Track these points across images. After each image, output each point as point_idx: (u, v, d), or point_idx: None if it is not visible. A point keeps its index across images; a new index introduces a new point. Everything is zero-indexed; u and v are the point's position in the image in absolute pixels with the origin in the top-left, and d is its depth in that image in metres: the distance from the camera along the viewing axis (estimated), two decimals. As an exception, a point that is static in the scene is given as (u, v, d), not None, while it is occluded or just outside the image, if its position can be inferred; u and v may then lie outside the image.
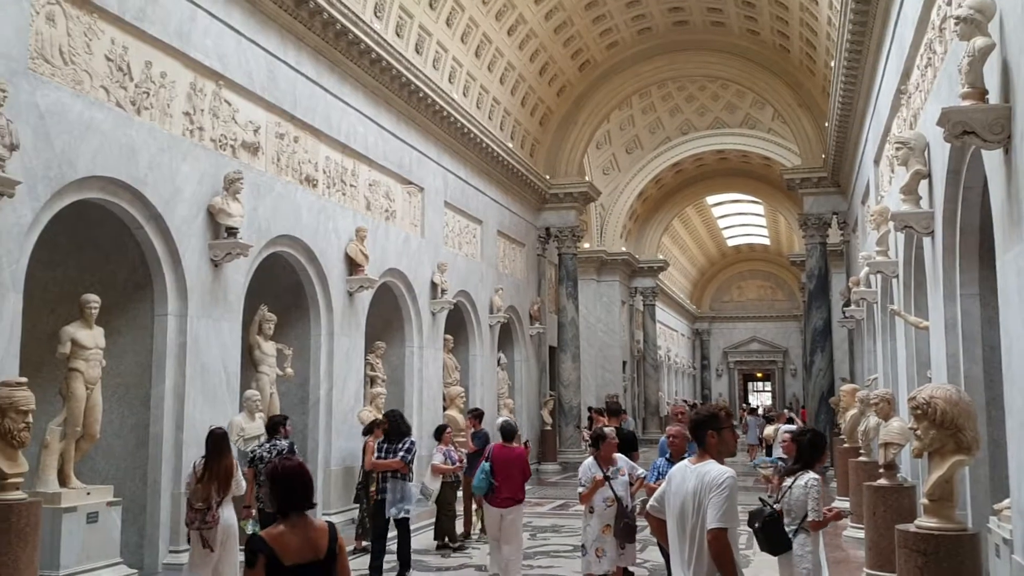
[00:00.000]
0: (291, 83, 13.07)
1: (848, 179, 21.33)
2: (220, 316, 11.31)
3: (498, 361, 21.80)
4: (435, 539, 12.21)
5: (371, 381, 15.34)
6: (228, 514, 8.16)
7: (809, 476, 6.86)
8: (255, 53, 12.18)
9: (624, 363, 34.59)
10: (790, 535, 6.66)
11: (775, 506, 6.77)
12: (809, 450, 7.00)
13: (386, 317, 16.65)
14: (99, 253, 10.24)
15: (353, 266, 14.59)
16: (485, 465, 9.50)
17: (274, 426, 10.13)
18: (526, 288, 24.31)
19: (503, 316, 21.57)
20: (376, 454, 10.09)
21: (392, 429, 10.12)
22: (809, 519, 6.68)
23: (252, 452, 9.90)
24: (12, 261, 8.36)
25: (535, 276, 25.28)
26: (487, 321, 20.96)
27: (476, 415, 13.89)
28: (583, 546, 8.40)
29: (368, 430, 11.94)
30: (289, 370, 12.90)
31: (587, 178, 27.16)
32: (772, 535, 6.59)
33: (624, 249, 33.73)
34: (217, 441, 8.20)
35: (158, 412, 10.34)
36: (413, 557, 10.35)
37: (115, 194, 9.75)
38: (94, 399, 9.45)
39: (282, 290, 13.46)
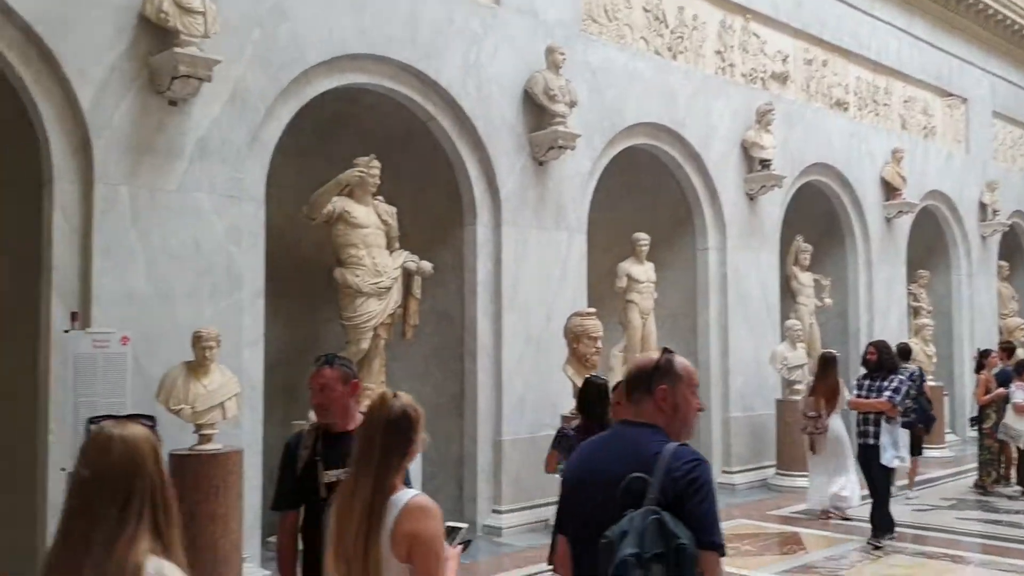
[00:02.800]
0: (816, 6, 12.67)
1: None
2: (757, 248, 11.53)
3: (1066, 288, 19.01)
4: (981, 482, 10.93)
5: (915, 312, 14.45)
6: (836, 424, 9.42)
7: None
8: (779, -20, 12.04)
9: None
10: None
11: None
12: None
13: (928, 244, 15.48)
14: (646, 194, 11.05)
15: (890, 190, 13.79)
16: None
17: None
18: (1100, 203, 20.75)
19: (1071, 237, 18.71)
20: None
21: (880, 362, 8.32)
22: None
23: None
24: (576, 206, 9.43)
25: (1112, 188, 21.44)
26: (1051, 243, 18.37)
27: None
28: None
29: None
30: (828, 300, 12.69)
31: None
32: None
33: None
34: (824, 363, 9.56)
35: (704, 340, 10.95)
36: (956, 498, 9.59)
37: (657, 138, 10.43)
38: (649, 328, 10.35)
39: (816, 220, 13.24)
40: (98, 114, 6.15)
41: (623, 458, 2.57)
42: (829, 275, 12.96)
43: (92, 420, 1.72)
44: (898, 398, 8.11)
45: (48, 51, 5.98)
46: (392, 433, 2.71)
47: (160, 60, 6.30)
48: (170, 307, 6.39)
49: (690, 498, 2.46)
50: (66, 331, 5.80)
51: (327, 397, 3.60)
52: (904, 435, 8.87)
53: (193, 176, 6.60)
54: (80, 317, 5.94)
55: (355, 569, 2.59)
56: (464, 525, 3.07)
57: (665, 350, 2.79)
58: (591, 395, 6.21)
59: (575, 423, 6.21)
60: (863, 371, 8.51)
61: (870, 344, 8.59)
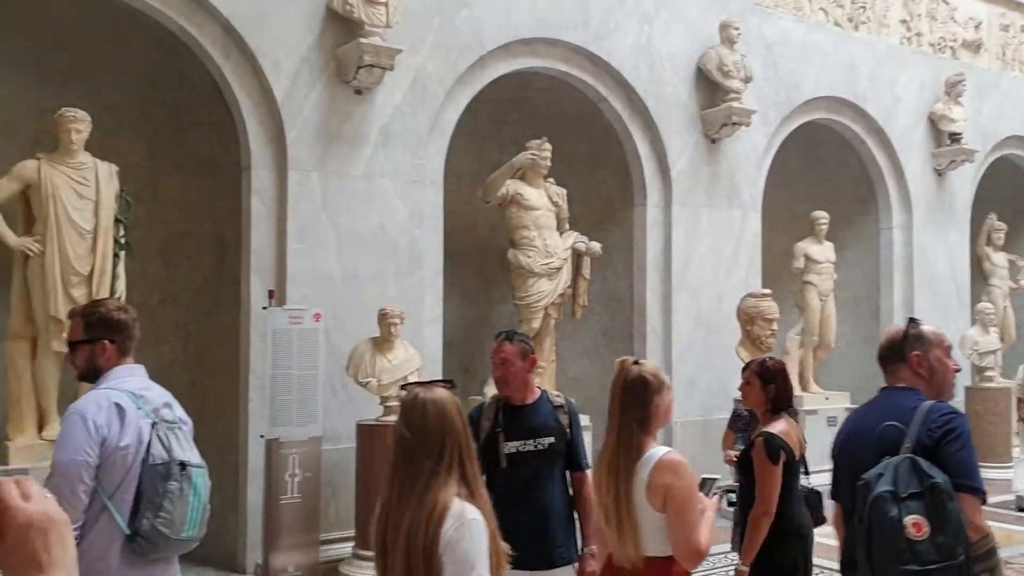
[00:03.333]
0: (1015, -35, 11.81)
1: None
2: (946, 226, 10.91)
3: None
4: None
5: None
6: None
7: None
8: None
9: None
10: None
11: None
12: None
13: None
14: (824, 171, 10.66)
15: (1099, 163, 12.69)
16: None
17: None
18: None
19: None
20: None
21: None
22: None
23: None
24: (751, 184, 9.22)
25: None
26: None
27: None
28: None
29: None
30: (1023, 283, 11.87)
31: None
32: None
33: None
34: None
35: (887, 324, 10.45)
36: None
37: (837, 111, 10.03)
38: (827, 310, 9.99)
39: (1011, 196, 12.37)
40: (290, 104, 6.54)
41: (885, 415, 2.72)
42: (1025, 255, 12.11)
43: (403, 387, 1.97)
44: None
45: (245, 45, 6.41)
46: (628, 397, 2.92)
47: (346, 51, 6.62)
48: (357, 286, 6.74)
49: (946, 446, 2.58)
50: (264, 308, 6.23)
51: (507, 371, 3.73)
52: None
53: (377, 162, 6.92)
54: (276, 295, 6.37)
55: (612, 521, 2.86)
56: (717, 476, 3.22)
57: (911, 320, 2.95)
58: (767, 378, 6.08)
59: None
60: None
61: None
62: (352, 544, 6.29)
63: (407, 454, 2.30)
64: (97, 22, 6.47)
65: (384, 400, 6.38)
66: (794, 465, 3.95)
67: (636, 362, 3.00)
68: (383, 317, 6.37)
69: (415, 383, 2.45)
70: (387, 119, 6.97)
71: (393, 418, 6.34)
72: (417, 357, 6.55)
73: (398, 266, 6.96)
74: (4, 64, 6.36)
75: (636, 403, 2.91)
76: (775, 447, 3.87)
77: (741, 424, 6.17)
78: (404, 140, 7.04)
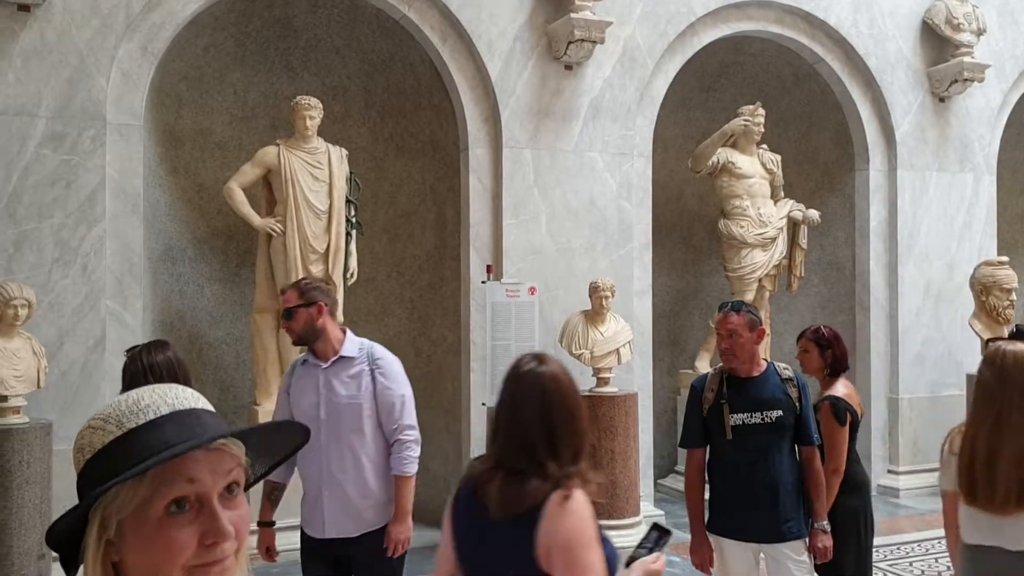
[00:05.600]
0: None
1: None
2: None
3: None
4: None
5: None
6: None
7: None
8: None
9: None
10: None
11: None
12: None
13: None
14: (1070, 127, 9.71)
15: None
16: None
17: None
18: None
19: None
20: None
21: None
22: None
23: None
24: (984, 145, 8.56)
25: None
26: None
27: None
28: None
29: None
30: None
31: None
32: None
33: None
34: None
35: None
36: None
37: (1086, 61, 9.09)
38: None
39: None
40: (504, 83, 6.71)
41: None
42: None
43: (518, 358, 2.16)
44: None
45: (461, 28, 6.62)
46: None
47: (556, 27, 6.70)
48: (569, 259, 6.86)
49: None
50: (483, 282, 6.46)
51: (735, 343, 3.68)
52: None
53: (587, 136, 6.98)
54: (493, 269, 6.58)
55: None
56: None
57: None
58: None
59: None
60: None
61: None
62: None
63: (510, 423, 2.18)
64: (323, 13, 6.89)
65: (596, 372, 6.46)
66: (856, 425, 4.21)
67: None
68: (594, 290, 6.45)
69: (527, 353, 2.29)
70: (596, 92, 7.01)
71: (607, 389, 6.46)
72: (628, 329, 6.58)
73: (608, 239, 7.00)
74: (244, 54, 6.90)
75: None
76: (841, 409, 4.09)
77: None
78: (613, 113, 7.05)
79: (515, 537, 2.03)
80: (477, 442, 6.51)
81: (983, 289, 7.92)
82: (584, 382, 6.49)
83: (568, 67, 6.90)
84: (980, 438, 2.98)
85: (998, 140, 8.70)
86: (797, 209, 7.78)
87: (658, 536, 2.16)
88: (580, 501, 2.03)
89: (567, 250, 6.88)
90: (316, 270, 6.13)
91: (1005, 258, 8.08)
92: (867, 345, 8.10)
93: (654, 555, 2.12)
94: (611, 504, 6.20)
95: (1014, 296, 7.94)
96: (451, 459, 6.81)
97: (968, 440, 3.02)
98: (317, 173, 6.25)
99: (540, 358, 2.21)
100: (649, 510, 6.84)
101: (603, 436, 6.26)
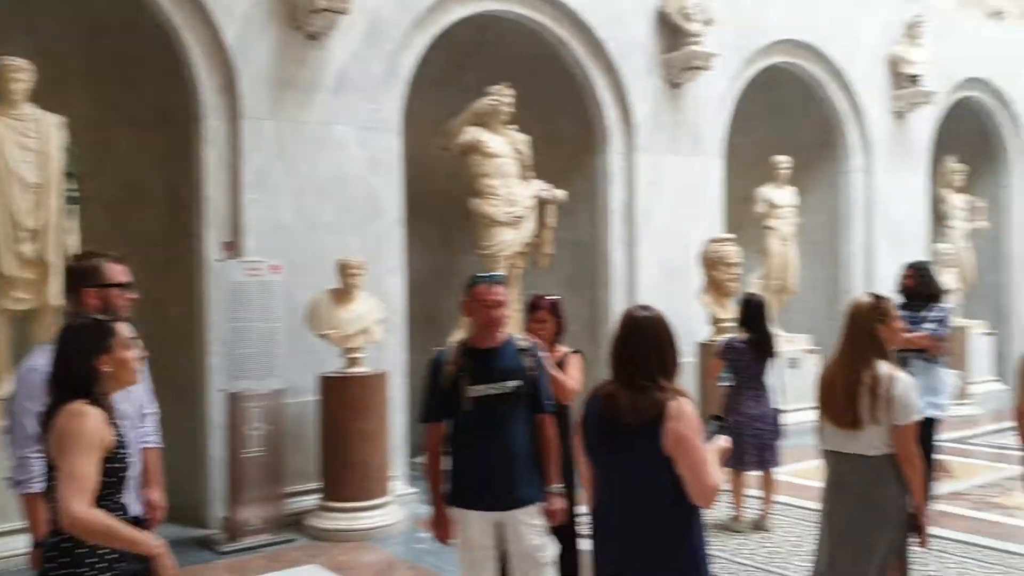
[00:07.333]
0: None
1: None
2: (906, 169, 10.97)
3: None
4: None
5: (1080, 235, 13.48)
6: None
7: None
8: None
9: None
10: None
11: None
12: None
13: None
14: (785, 115, 10.63)
15: (1054, 105, 12.80)
16: None
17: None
18: None
19: None
20: None
21: (919, 289, 6.43)
22: None
23: None
24: (713, 130, 9.19)
25: None
26: None
27: None
28: None
29: None
30: (982, 223, 12.00)
31: None
32: None
33: None
34: None
35: (847, 267, 10.56)
36: None
37: (797, 55, 9.99)
38: (789, 254, 10.07)
39: (970, 139, 12.45)
40: (242, 51, 6.36)
41: None
42: (983, 197, 12.22)
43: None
44: (943, 331, 6.27)
45: (194, -9, 6.20)
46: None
47: (298, -6, 6.44)
48: (316, 236, 6.63)
49: None
50: (217, 260, 6.10)
51: (502, 314, 3.67)
52: (949, 379, 6.46)
53: (333, 109, 6.77)
54: (233, 247, 6.24)
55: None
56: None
57: None
58: (752, 311, 6.38)
59: (743, 337, 6.28)
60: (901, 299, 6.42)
61: (908, 266, 6.63)
62: (319, 496, 6.26)
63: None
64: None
65: (346, 352, 6.31)
66: None
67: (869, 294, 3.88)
68: (343, 268, 6.28)
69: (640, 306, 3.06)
70: (342, 65, 6.81)
71: (357, 369, 6.32)
72: (379, 308, 6.48)
73: (358, 215, 6.85)
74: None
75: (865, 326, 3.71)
76: None
77: (733, 355, 6.24)
78: (360, 86, 6.89)
79: (648, 435, 2.75)
80: (217, 429, 6.17)
81: (711, 265, 8.52)
82: (332, 363, 6.33)
83: (312, 37, 6.65)
84: (828, 369, 3.80)
85: (725, 126, 9.36)
86: (544, 189, 7.97)
87: (716, 425, 3.09)
88: (689, 405, 2.79)
89: (314, 226, 6.65)
90: (27, 249, 5.54)
91: (730, 236, 8.73)
92: (609, 319, 8.48)
93: (718, 437, 3.02)
94: (361, 486, 6.09)
95: (737, 271, 8.61)
96: (191, 446, 6.42)
97: (823, 371, 3.83)
98: (26, 142, 5.64)
99: (646, 308, 3.01)
100: (402, 490, 6.78)
101: (354, 417, 6.12)
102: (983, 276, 12.32)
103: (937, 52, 11.11)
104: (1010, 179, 12.66)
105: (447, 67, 8.20)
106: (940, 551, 5.46)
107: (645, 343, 2.90)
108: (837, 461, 3.72)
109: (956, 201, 11.89)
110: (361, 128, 6.89)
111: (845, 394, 3.62)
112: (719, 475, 2.83)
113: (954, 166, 11.89)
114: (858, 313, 3.72)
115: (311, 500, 6.32)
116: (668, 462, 2.75)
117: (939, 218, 11.79)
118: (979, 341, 11.80)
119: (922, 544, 3.71)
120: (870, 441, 3.58)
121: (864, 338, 3.67)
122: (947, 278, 10.67)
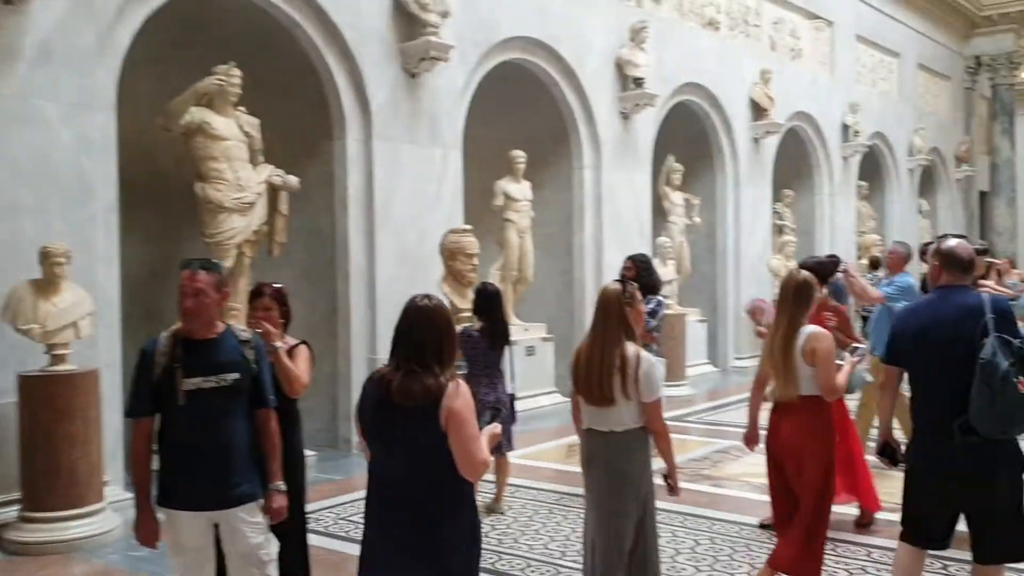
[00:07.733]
0: (690, -77, 12.69)
1: None
2: (631, 167, 11.65)
3: (919, 208, 20.12)
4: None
5: (779, 230, 14.99)
6: None
7: None
8: None
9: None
10: None
11: None
12: None
13: (794, 164, 16.00)
14: (522, 111, 10.95)
15: (758, 111, 14.13)
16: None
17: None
18: (951, 127, 21.89)
19: (924, 159, 19.71)
20: None
21: (638, 280, 5.93)
22: None
23: None
24: (451, 122, 9.27)
25: (962, 113, 22.65)
26: (906, 165, 19.32)
27: (873, 262, 12.97)
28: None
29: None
30: (697, 219, 13.00)
31: (1028, -6, 23.34)
32: None
33: (1075, 76, 28.79)
34: None
35: (579, 259, 11.06)
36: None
37: (532, 53, 10.30)
38: (525, 246, 10.38)
39: (688, 140, 13.47)
40: (-80, 9, 5.59)
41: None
42: (699, 194, 13.26)
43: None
44: (653, 322, 6.65)
45: None
46: (798, 293, 4.48)
47: (-11, -49, 5.76)
48: (14, 221, 5.98)
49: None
50: None
51: (200, 302, 3.43)
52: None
53: (35, 82, 6.13)
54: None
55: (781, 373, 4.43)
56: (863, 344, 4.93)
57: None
58: (487, 300, 6.48)
59: (478, 325, 6.33)
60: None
61: (628, 258, 6.97)
62: (18, 507, 5.65)
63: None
64: None
65: (51, 348, 5.74)
66: None
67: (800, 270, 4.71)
68: (45, 256, 5.71)
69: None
70: (46, 34, 6.18)
71: (63, 367, 5.76)
72: (88, 300, 5.95)
73: (64, 199, 6.25)
74: None
75: (805, 299, 4.48)
76: None
77: (470, 344, 6.24)
78: (68, 59, 6.29)
79: (422, 417, 2.93)
80: None
81: (450, 255, 8.57)
82: (35, 361, 5.74)
83: (8, 1, 5.97)
84: (581, 350, 4.01)
85: (463, 118, 9.47)
86: (276, 175, 7.66)
87: (492, 413, 3.55)
88: (464, 386, 3.01)
89: (12, 210, 5.99)
90: None
91: (468, 227, 8.84)
92: (347, 310, 8.34)
93: (493, 424, 3.21)
94: (68, 493, 5.57)
95: (476, 261, 8.72)
96: None
97: (578, 353, 4.04)
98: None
99: (428, 297, 3.13)
100: (118, 494, 6.27)
101: (59, 419, 5.57)
102: (698, 267, 13.38)
103: (659, 57, 11.90)
104: (724, 178, 13.82)
105: (171, 43, 7.72)
106: (659, 522, 5.81)
107: (426, 331, 3.03)
108: (590, 438, 4.01)
109: (675, 198, 12.80)
110: (69, 105, 6.29)
111: (599, 373, 3.87)
112: (488, 453, 3.02)
113: (673, 165, 12.79)
114: (608, 298, 3.96)
115: (12, 512, 5.70)
116: (441, 443, 2.93)
117: (661, 213, 12.64)
118: (694, 327, 12.79)
119: (676, 494, 4.13)
120: (619, 418, 3.88)
121: (614, 320, 3.93)
122: (667, 269, 11.49)
